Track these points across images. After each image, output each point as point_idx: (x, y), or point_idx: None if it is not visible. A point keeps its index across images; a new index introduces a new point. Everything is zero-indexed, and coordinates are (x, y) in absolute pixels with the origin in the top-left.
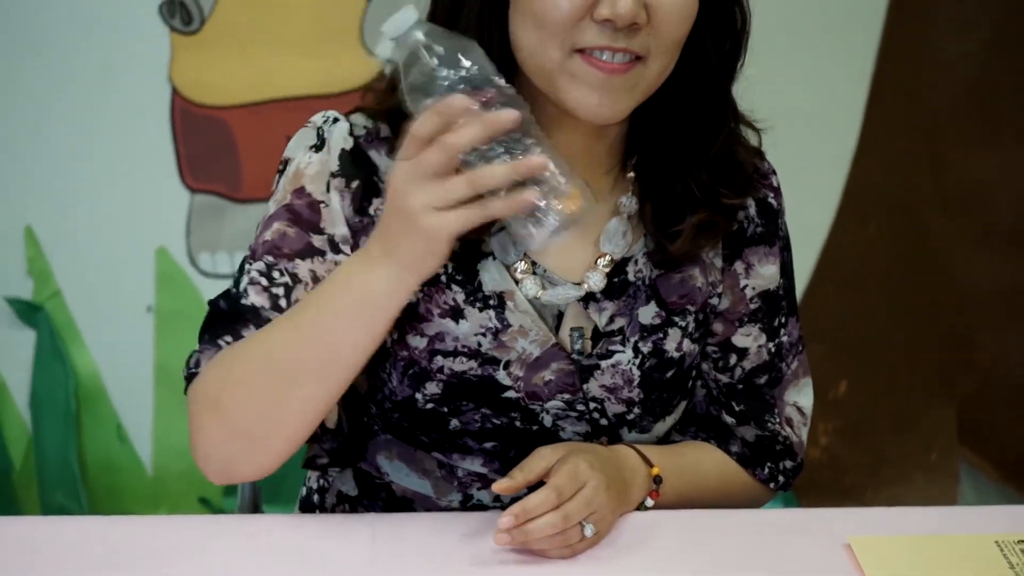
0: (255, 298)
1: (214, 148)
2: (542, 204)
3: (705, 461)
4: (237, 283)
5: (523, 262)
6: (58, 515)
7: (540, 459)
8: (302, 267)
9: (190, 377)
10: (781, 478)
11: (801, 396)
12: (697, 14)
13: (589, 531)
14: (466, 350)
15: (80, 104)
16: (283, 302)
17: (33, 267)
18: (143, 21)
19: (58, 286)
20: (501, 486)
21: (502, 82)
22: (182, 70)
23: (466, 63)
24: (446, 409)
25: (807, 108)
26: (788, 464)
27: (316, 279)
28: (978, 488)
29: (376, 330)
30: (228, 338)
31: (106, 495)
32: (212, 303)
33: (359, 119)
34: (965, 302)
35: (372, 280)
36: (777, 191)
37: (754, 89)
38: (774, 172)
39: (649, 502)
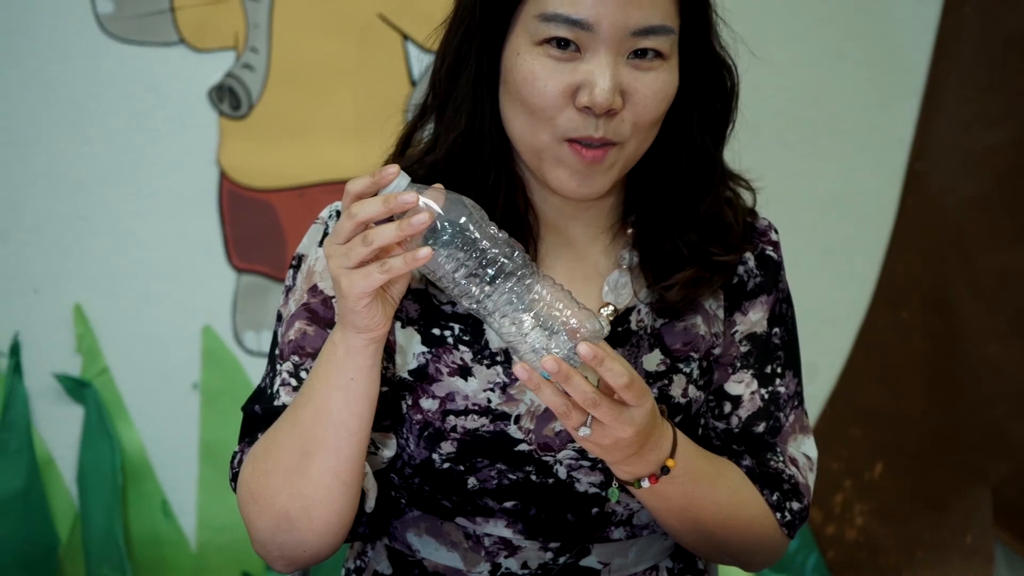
0: (286, 398)
1: (260, 230)
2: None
3: (727, 476)
4: (271, 383)
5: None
6: None
7: (623, 362)
8: None
9: (235, 477)
10: (788, 515)
11: (803, 447)
12: (685, 83)
13: (584, 431)
14: (476, 407)
15: (131, 186)
16: None
17: (82, 344)
18: (193, 106)
19: (106, 363)
20: (584, 348)
21: (494, 230)
22: (230, 154)
23: (459, 219)
24: (462, 467)
25: (843, 197)
26: (795, 506)
27: None
28: (1013, 570)
29: (357, 390)
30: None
31: (150, 569)
32: (246, 409)
33: None
34: (997, 386)
35: (334, 343)
36: (776, 245)
37: (792, 180)
38: (773, 228)
39: (645, 483)
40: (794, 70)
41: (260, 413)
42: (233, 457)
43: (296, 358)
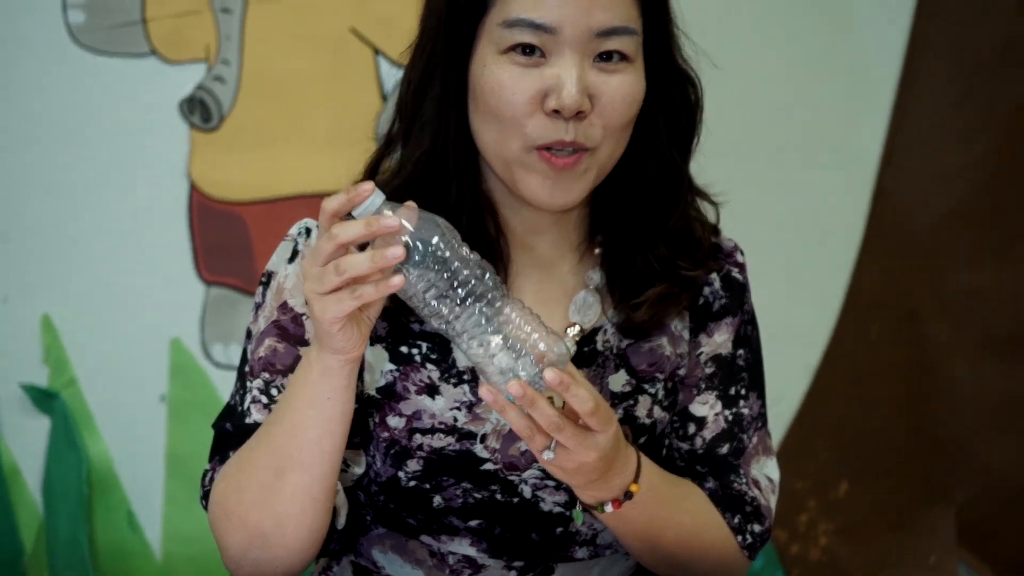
0: (257, 416)
1: (230, 242)
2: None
3: (690, 500)
4: (242, 400)
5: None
6: None
7: (588, 388)
8: None
9: (206, 495)
10: (749, 538)
11: (765, 469)
12: (651, 94)
13: (548, 455)
14: (443, 426)
15: (100, 196)
16: None
17: (49, 355)
18: (163, 118)
19: (74, 374)
20: (551, 374)
21: (466, 251)
22: (200, 166)
23: (432, 240)
24: (428, 486)
25: (811, 213)
26: (756, 528)
27: None
28: None
29: (332, 409)
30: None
31: None
32: (217, 426)
33: None
34: (964, 406)
35: (310, 362)
36: (742, 267)
37: (759, 195)
38: (740, 250)
39: (608, 508)
40: (762, 85)
41: (231, 430)
42: (204, 475)
43: (267, 375)
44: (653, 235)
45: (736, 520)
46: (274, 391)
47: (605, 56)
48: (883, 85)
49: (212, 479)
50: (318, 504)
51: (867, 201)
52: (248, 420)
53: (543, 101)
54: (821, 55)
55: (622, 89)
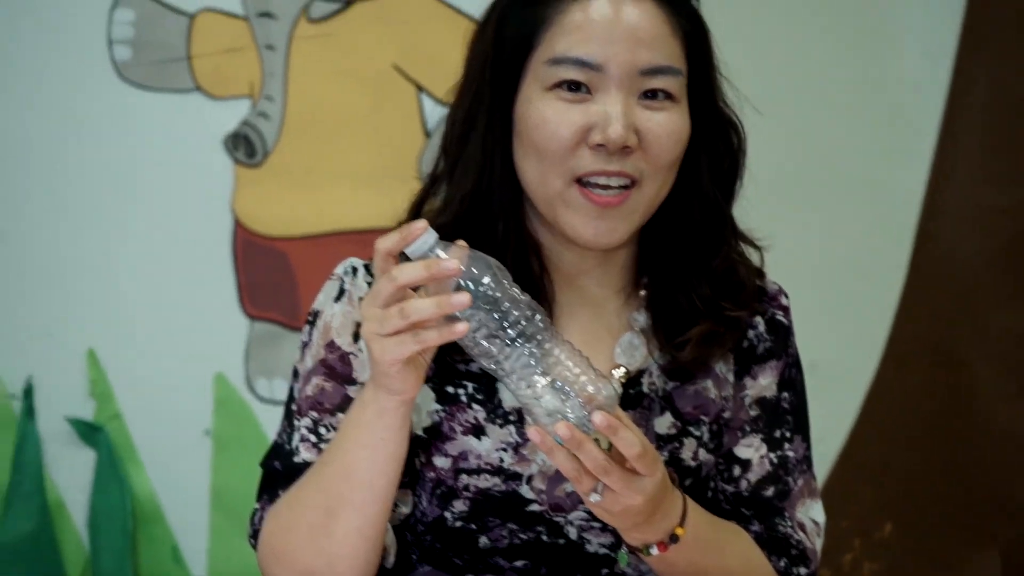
0: (306, 455)
1: (273, 277)
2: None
3: (736, 544)
4: (289, 438)
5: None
6: None
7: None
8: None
9: (255, 534)
10: None
11: (811, 512)
12: (694, 137)
13: (595, 497)
14: (489, 467)
15: (144, 231)
16: None
17: (95, 389)
18: (208, 154)
19: (119, 408)
20: (599, 417)
21: (517, 291)
22: (244, 201)
23: (483, 279)
24: (474, 526)
25: (853, 256)
26: (802, 571)
27: None
28: None
29: (385, 450)
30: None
31: None
32: (266, 465)
33: None
34: (1006, 447)
35: (364, 402)
36: (786, 310)
37: (802, 238)
38: (784, 293)
39: (654, 551)
40: (804, 129)
41: (280, 469)
42: (253, 514)
43: (315, 414)
44: (696, 276)
45: (782, 563)
46: (323, 430)
47: (650, 94)
48: (925, 128)
49: (261, 518)
50: (370, 544)
51: (910, 243)
52: (297, 459)
53: (588, 135)
54: (863, 98)
55: (668, 126)
